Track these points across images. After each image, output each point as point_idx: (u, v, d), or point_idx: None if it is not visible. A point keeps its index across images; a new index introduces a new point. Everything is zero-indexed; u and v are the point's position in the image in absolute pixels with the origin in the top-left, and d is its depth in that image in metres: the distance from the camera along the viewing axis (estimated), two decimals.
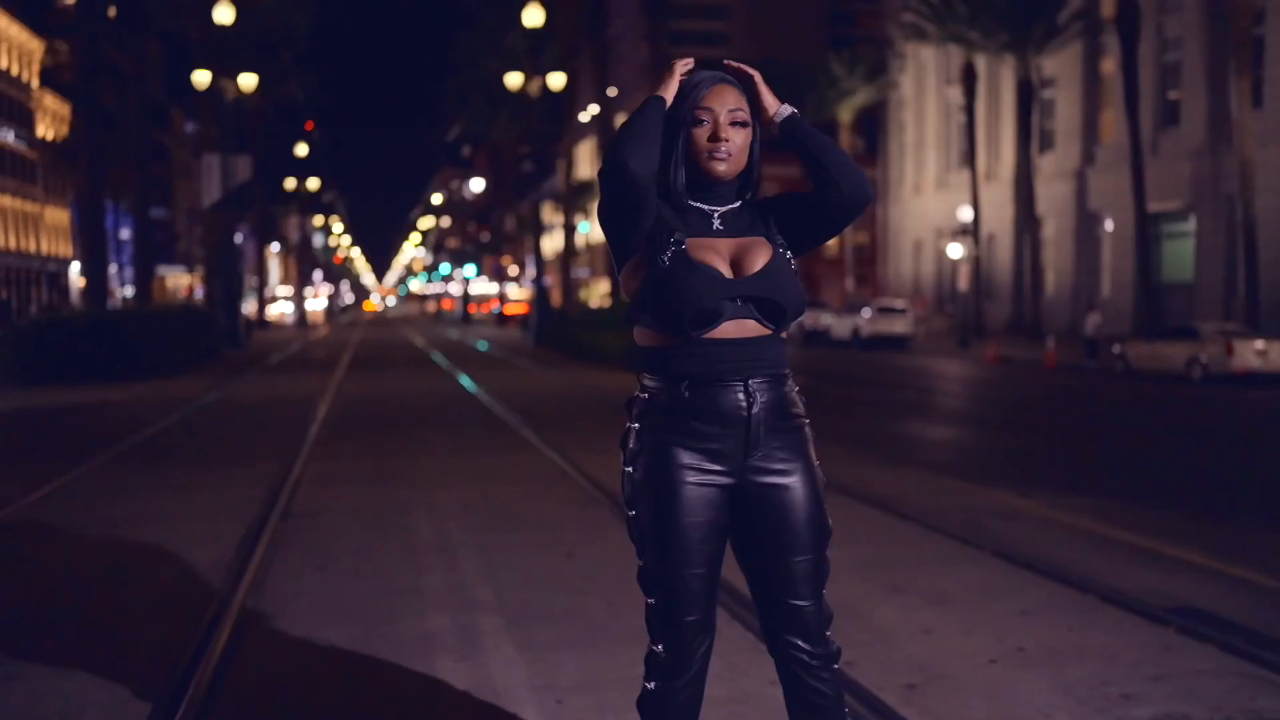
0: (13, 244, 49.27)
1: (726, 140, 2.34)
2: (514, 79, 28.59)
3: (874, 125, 47.99)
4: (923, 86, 44.81)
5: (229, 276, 26.38)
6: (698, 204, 2.41)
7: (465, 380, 17.56)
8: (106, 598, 4.99)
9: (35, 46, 53.77)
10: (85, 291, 20.41)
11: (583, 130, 53.82)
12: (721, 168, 2.35)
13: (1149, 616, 4.56)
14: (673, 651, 2.42)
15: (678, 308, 2.29)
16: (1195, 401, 15.78)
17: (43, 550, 6.00)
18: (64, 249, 56.24)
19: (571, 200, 33.92)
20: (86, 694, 3.73)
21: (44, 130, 54.83)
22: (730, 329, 2.33)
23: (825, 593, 2.47)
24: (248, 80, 25.64)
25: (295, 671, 3.96)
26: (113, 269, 52.79)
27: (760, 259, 2.36)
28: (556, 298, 35.78)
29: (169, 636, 4.32)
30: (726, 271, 2.34)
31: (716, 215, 2.41)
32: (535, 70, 30.87)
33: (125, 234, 55.72)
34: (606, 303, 33.45)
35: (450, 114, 43.16)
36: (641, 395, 2.42)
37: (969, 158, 36.80)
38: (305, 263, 69.73)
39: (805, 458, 2.43)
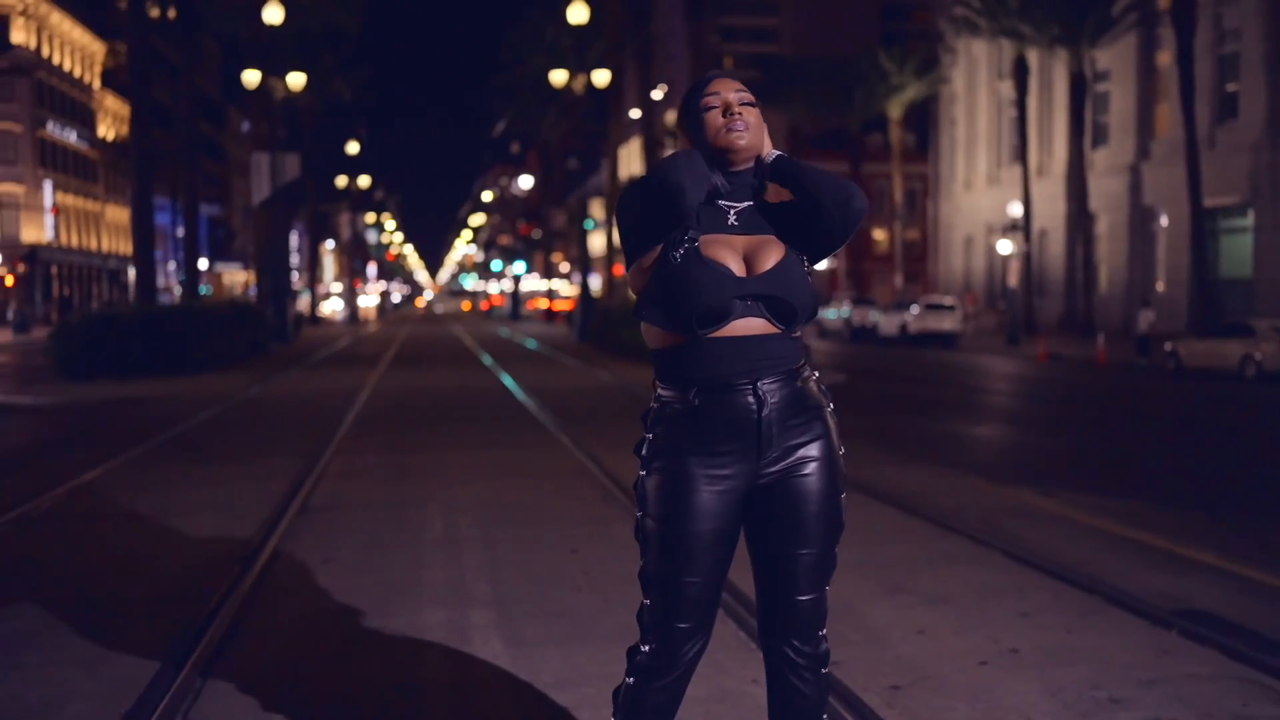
0: (75, 242, 50.40)
1: (740, 114, 2.34)
2: (559, 76, 28.69)
3: (924, 120, 47.47)
4: (974, 81, 44.26)
5: (277, 273, 26.75)
6: (715, 200, 2.39)
7: (505, 377, 17.65)
8: (111, 587, 5.08)
9: (97, 49, 54.92)
10: (136, 288, 20.79)
11: (630, 128, 53.80)
12: (741, 141, 2.33)
13: (1152, 619, 4.47)
14: (660, 652, 2.40)
15: (686, 306, 2.27)
16: (1246, 400, 15.44)
17: (58, 542, 6.12)
18: (125, 246, 57.40)
19: (616, 197, 33.95)
20: (76, 683, 3.79)
21: (105, 130, 56.01)
22: (739, 327, 2.30)
23: (826, 589, 2.44)
24: (296, 79, 25.99)
25: (284, 664, 4.00)
26: (172, 266, 53.94)
27: (772, 257, 2.34)
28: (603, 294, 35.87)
29: (168, 627, 4.39)
30: (738, 269, 2.32)
31: (733, 212, 2.39)
32: (582, 67, 30.92)
33: (183, 231, 56.85)
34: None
35: (499, 111, 43.39)
36: (654, 405, 2.41)
37: (1020, 153, 36.31)
38: (357, 259, 70.49)
39: (823, 449, 2.39)
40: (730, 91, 2.37)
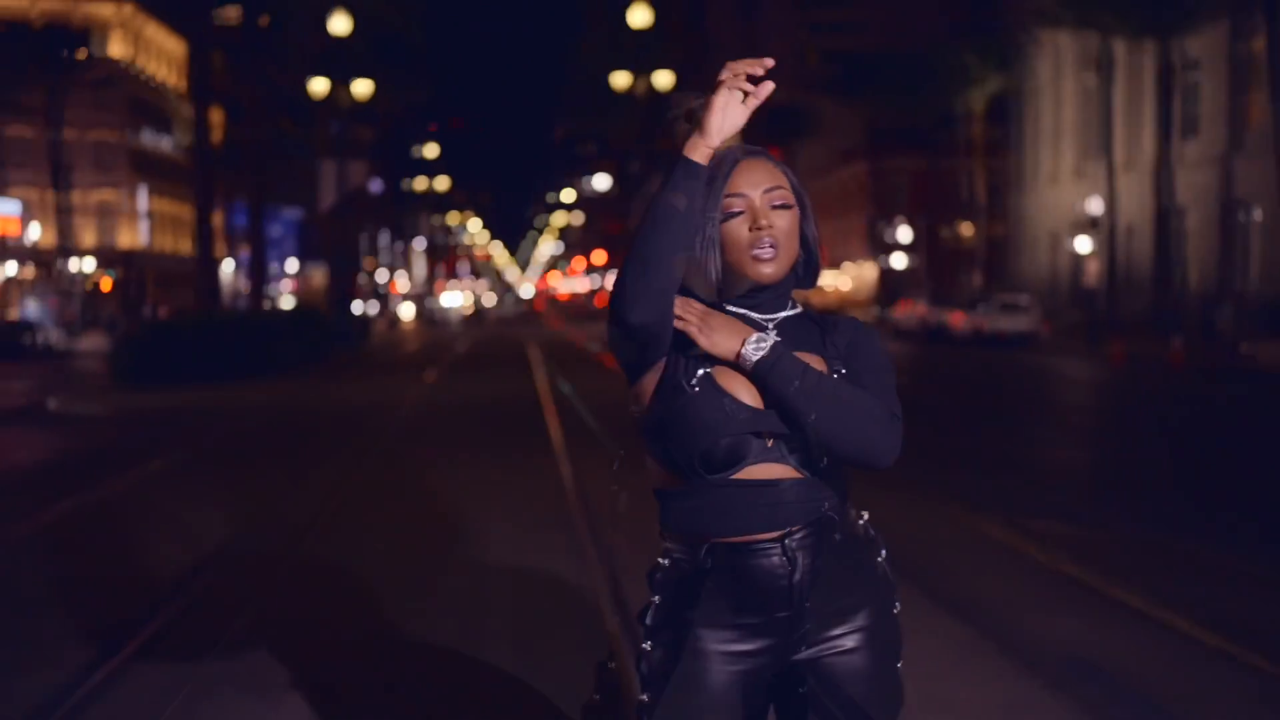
0: (169, 247, 52.17)
1: (770, 227, 1.88)
2: (621, 79, 28.74)
3: (1007, 113, 46.33)
4: (1059, 73, 43.02)
5: (341, 278, 27.36)
6: (742, 309, 1.95)
7: (564, 385, 17.70)
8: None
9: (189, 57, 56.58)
10: (197, 293, 21.44)
11: None
12: (769, 270, 1.89)
13: (1033, 668, 4.32)
14: None
15: (687, 445, 1.85)
16: None
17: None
18: (218, 250, 59.13)
19: None
20: None
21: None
22: (758, 471, 1.88)
23: None
24: (362, 87, 26.54)
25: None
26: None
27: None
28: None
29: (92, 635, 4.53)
30: (752, 399, 1.88)
31: (772, 326, 1.96)
32: (651, 68, 30.95)
33: (275, 232, 58.43)
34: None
35: (573, 111, 43.70)
36: (662, 561, 1.98)
37: (1105, 146, 35.21)
38: (439, 261, 71.64)
39: (873, 615, 1.97)
40: (758, 191, 1.89)
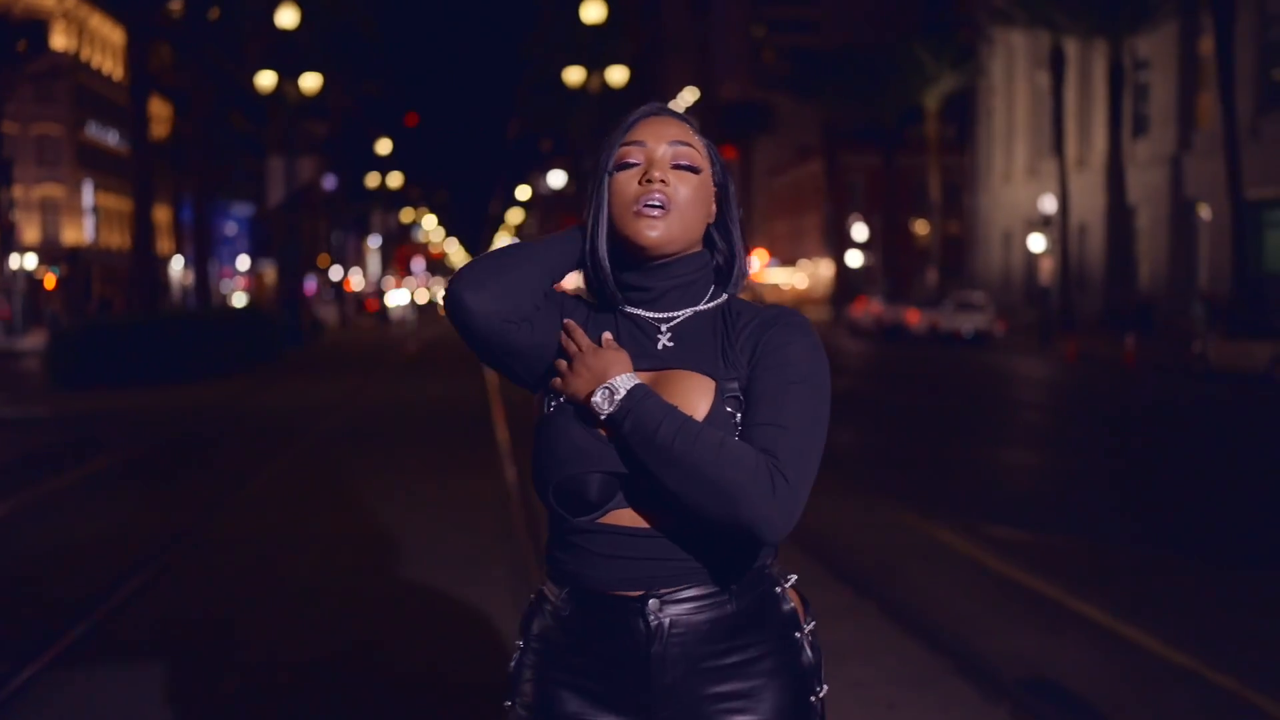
0: (115, 243, 51.14)
1: (661, 184, 1.56)
2: (574, 75, 28.44)
3: (963, 112, 46.54)
4: (1012, 72, 43.30)
5: (289, 277, 26.87)
6: (637, 309, 1.63)
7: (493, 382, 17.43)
8: None
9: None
10: (133, 291, 20.89)
11: None
12: (653, 233, 1.55)
13: (991, 690, 4.12)
14: None
15: (539, 478, 1.58)
16: (1267, 406, 14.78)
17: None
18: (164, 246, 58.22)
19: None
20: None
21: (151, 131, 56.71)
22: (625, 516, 1.55)
23: None
24: (311, 81, 26.06)
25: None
26: (211, 265, 54.51)
27: (691, 408, 1.53)
28: None
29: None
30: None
31: (665, 329, 1.62)
32: (605, 63, 30.65)
33: (229, 229, 57.47)
34: None
35: (525, 108, 43.35)
36: (531, 597, 1.71)
37: (1057, 145, 35.42)
38: (390, 258, 70.94)
39: (780, 704, 1.59)
40: (661, 143, 1.60)
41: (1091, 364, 22.72)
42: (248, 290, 55.03)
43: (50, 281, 43.10)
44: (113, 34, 51.70)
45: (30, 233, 44.14)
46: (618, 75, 28.31)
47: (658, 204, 1.57)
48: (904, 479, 8.92)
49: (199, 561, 6.32)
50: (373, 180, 51.29)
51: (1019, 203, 42.63)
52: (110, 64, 51.57)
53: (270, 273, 58.40)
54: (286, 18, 24.62)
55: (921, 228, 52.66)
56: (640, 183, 1.58)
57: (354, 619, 5.14)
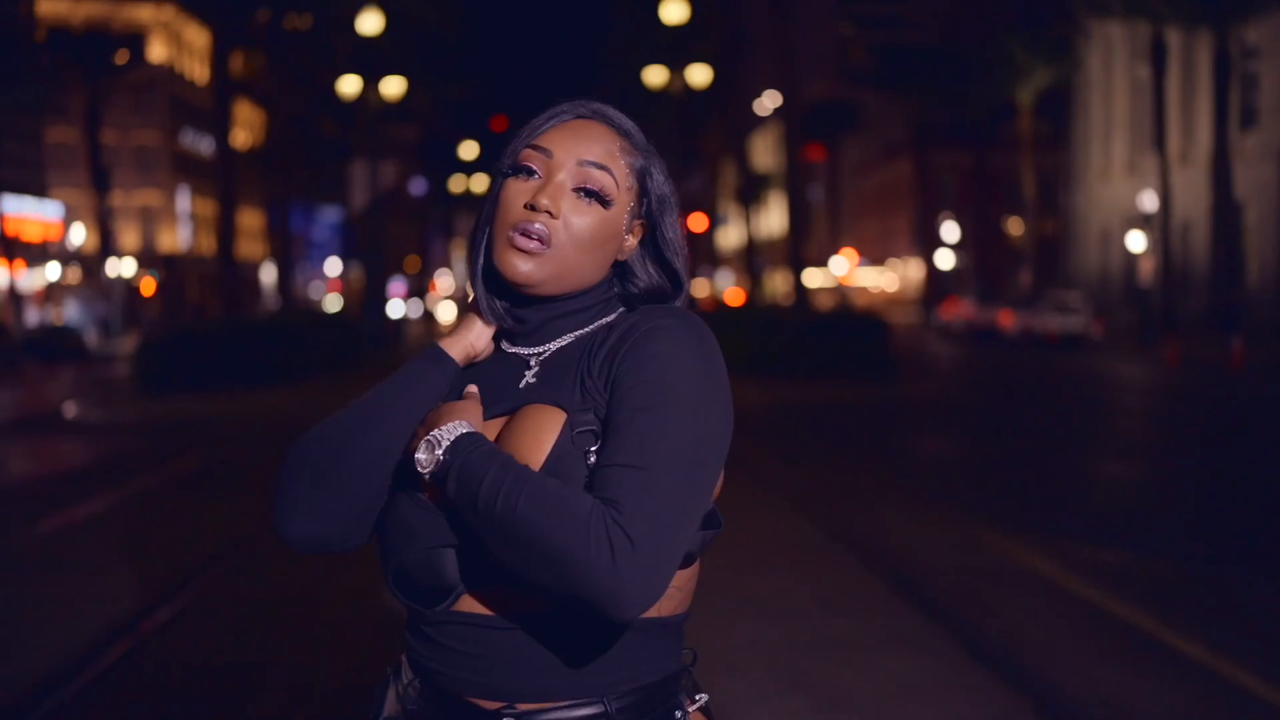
0: (211, 248, 52.37)
1: (549, 214, 1.29)
2: (654, 76, 28.16)
3: (1057, 107, 45.18)
4: (1110, 65, 41.88)
5: (373, 281, 27.09)
6: (514, 347, 1.38)
7: None
8: None
9: (234, 58, 56.90)
10: (220, 298, 21.21)
11: (754, 121, 53.02)
12: (522, 267, 1.29)
13: None
14: None
15: (381, 561, 1.31)
16: None
17: None
18: (255, 251, 59.49)
19: (749, 193, 33.48)
20: None
21: (244, 138, 58.07)
22: (473, 603, 1.26)
23: None
24: (394, 86, 26.22)
25: None
26: (307, 268, 55.54)
27: (527, 452, 1.23)
28: (739, 295, 35.14)
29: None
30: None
31: (535, 362, 1.35)
32: (686, 62, 30.30)
33: (320, 234, 58.52)
34: (782, 300, 32.47)
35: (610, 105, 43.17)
36: (387, 669, 1.44)
37: (1159, 140, 34.11)
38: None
39: None
40: (570, 158, 1.31)
41: (1195, 367, 21.71)
42: (340, 293, 55.90)
43: (148, 287, 44.25)
44: (207, 43, 53.05)
45: (129, 239, 45.40)
46: (699, 76, 27.94)
47: (534, 237, 1.29)
48: (987, 493, 8.44)
49: (253, 575, 6.17)
50: (459, 184, 51.68)
51: (1117, 200, 41.24)
52: (204, 73, 52.87)
53: (360, 276, 59.41)
54: (370, 23, 24.78)
55: (1015, 227, 51.25)
56: (525, 205, 1.30)
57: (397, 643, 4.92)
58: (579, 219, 1.30)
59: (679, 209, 1.41)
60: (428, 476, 1.22)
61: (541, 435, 1.24)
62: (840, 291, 55.68)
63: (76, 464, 10.97)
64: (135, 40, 37.87)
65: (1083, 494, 8.55)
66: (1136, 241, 30.87)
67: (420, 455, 1.22)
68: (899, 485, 8.65)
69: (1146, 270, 30.75)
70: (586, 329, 1.35)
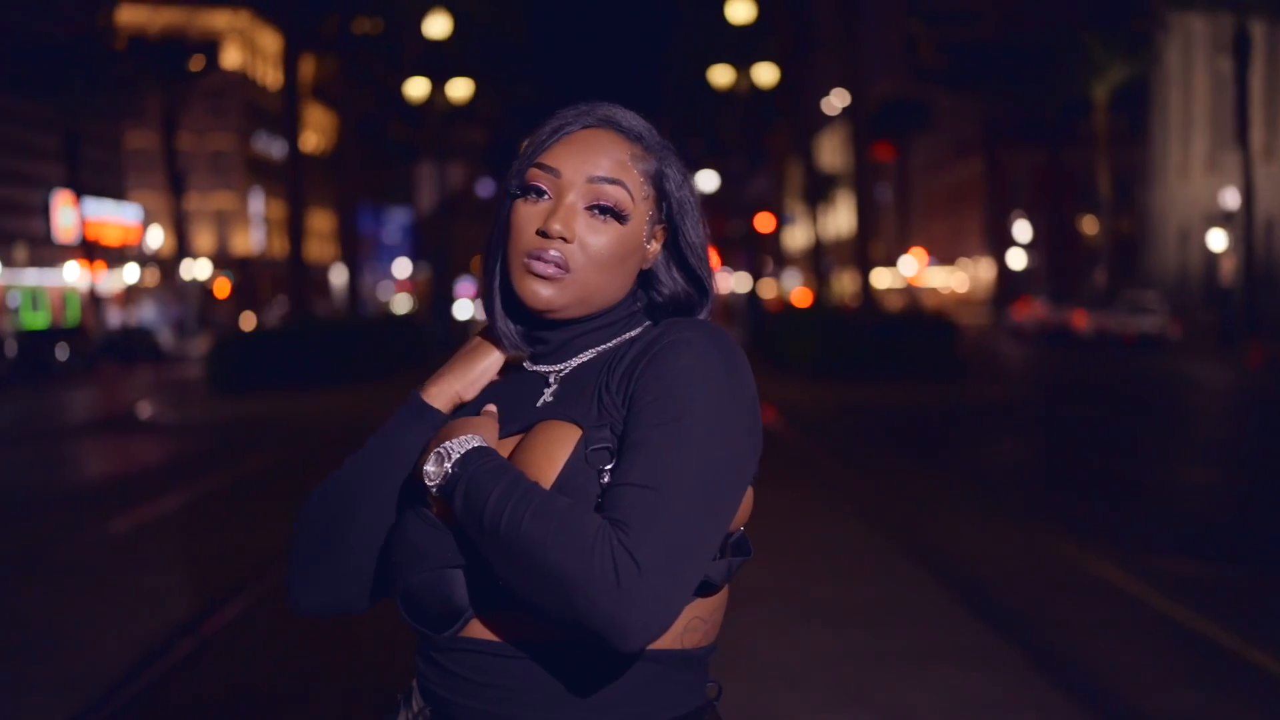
0: (283, 251, 53.23)
1: (562, 239, 1.23)
2: (721, 75, 28.00)
3: (1134, 103, 44.13)
4: (1190, 59, 40.80)
5: (439, 282, 27.32)
6: (535, 365, 1.32)
7: None
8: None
9: (306, 63, 57.80)
10: (290, 300, 21.51)
11: (822, 120, 52.57)
12: (544, 292, 1.23)
13: None
14: None
15: (388, 578, 1.26)
16: None
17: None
18: (330, 253, 60.34)
19: (816, 193, 33.18)
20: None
21: (314, 141, 59.01)
22: (481, 628, 1.20)
23: None
24: (459, 89, 26.40)
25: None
26: (375, 270, 56.21)
27: (539, 470, 1.18)
28: (806, 295, 34.82)
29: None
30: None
31: (554, 379, 1.29)
32: (751, 61, 30.11)
33: (389, 235, 59.22)
34: (850, 301, 32.15)
35: (672, 109, 43.08)
36: (397, 698, 1.33)
37: (1241, 136, 33.15)
38: None
39: None
40: (580, 176, 1.24)
41: (1278, 370, 21.05)
42: (410, 294, 56.52)
43: (223, 289, 45.12)
44: (279, 48, 54.01)
45: (204, 242, 46.34)
46: (766, 75, 27.73)
47: (552, 262, 1.23)
48: (1061, 501, 8.21)
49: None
50: None
51: (1197, 198, 40.19)
52: (277, 78, 53.79)
53: (428, 277, 60.06)
54: (438, 27, 24.97)
55: (1089, 226, 50.20)
56: (538, 230, 1.24)
57: None
58: (596, 239, 1.24)
59: (700, 208, 1.34)
60: (435, 490, 1.17)
61: (554, 452, 1.18)
62: (909, 292, 55.00)
63: (148, 463, 11.16)
64: (210, 47, 38.62)
65: (1160, 501, 8.28)
66: (1217, 240, 30.03)
67: (429, 468, 1.17)
68: (967, 491, 8.45)
69: (1227, 269, 29.90)
70: (609, 344, 1.29)
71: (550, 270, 1.22)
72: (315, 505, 1.31)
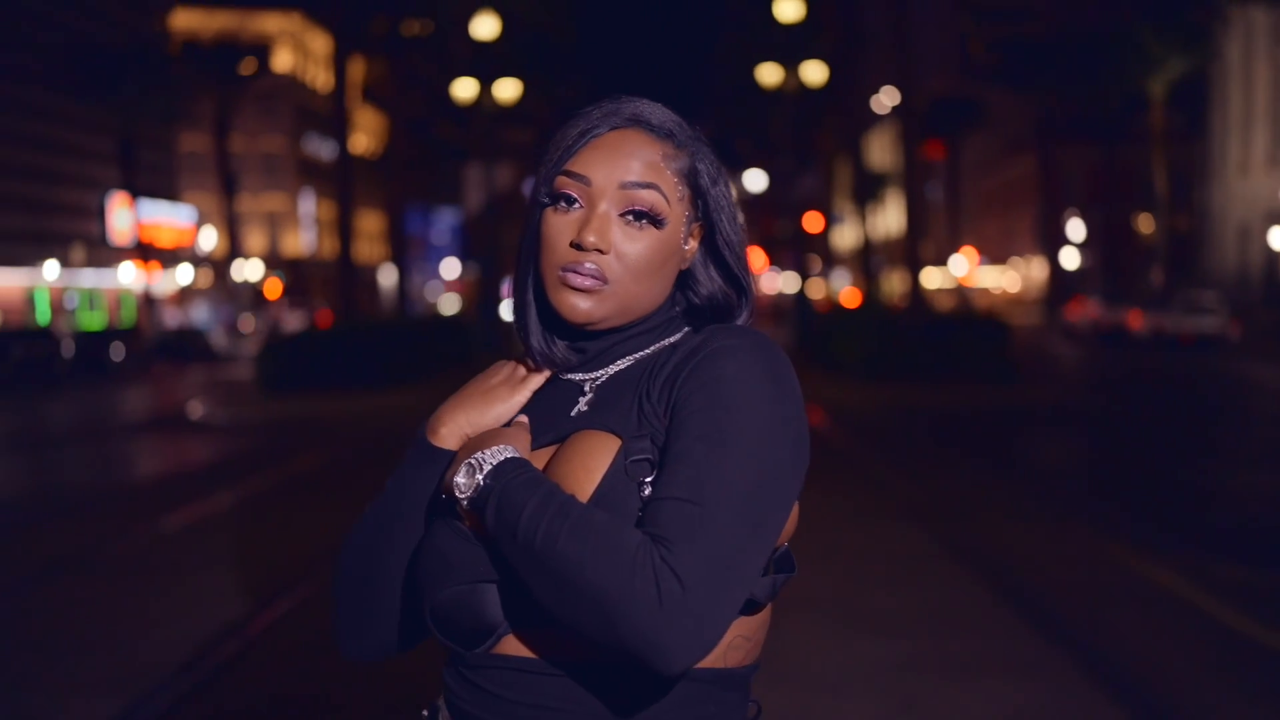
0: (332, 251, 53.76)
1: (597, 250, 1.17)
2: (769, 74, 27.81)
3: (1192, 99, 43.26)
4: (1251, 53, 39.93)
5: (486, 282, 27.42)
6: (570, 374, 1.26)
7: None
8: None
9: (356, 65, 58.35)
10: (339, 301, 21.68)
11: (871, 118, 52.16)
12: (582, 305, 1.18)
13: None
14: None
15: (419, 596, 1.21)
16: None
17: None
18: (380, 254, 60.82)
19: (865, 192, 32.92)
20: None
21: (365, 143, 59.53)
22: (514, 645, 1.15)
23: None
24: (506, 90, 26.46)
25: None
26: (424, 270, 56.61)
27: (575, 481, 1.13)
28: (855, 295, 34.55)
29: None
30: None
31: (590, 388, 1.24)
32: (800, 59, 29.89)
33: (438, 236, 59.60)
34: (899, 301, 31.85)
35: (720, 109, 42.91)
36: (423, 714, 1.29)
37: None
38: None
39: None
40: (612, 182, 1.18)
41: None
42: (459, 294, 56.83)
43: (273, 289, 45.64)
44: (330, 50, 54.55)
45: (255, 242, 46.90)
46: (815, 74, 27.51)
47: (589, 275, 1.18)
48: (1115, 504, 8.01)
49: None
50: None
51: (1258, 195, 39.34)
52: (328, 80, 54.35)
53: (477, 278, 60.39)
54: (486, 28, 25.02)
55: (1145, 224, 49.32)
56: (571, 242, 1.19)
57: None
58: (633, 247, 1.19)
59: (736, 203, 1.28)
60: (466, 503, 1.13)
61: (591, 463, 1.14)
62: (960, 292, 54.40)
63: (198, 462, 11.27)
64: (261, 50, 39.12)
65: (1220, 507, 8.05)
66: (1279, 238, 29.35)
67: (459, 479, 1.14)
68: (1020, 495, 8.28)
69: None
70: (647, 350, 1.25)
71: (587, 283, 1.18)
72: (345, 557, 1.28)
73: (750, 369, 1.13)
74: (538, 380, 1.26)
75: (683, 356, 1.17)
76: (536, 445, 1.21)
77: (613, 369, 1.24)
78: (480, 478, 1.11)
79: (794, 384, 1.16)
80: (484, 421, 1.24)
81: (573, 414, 1.23)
